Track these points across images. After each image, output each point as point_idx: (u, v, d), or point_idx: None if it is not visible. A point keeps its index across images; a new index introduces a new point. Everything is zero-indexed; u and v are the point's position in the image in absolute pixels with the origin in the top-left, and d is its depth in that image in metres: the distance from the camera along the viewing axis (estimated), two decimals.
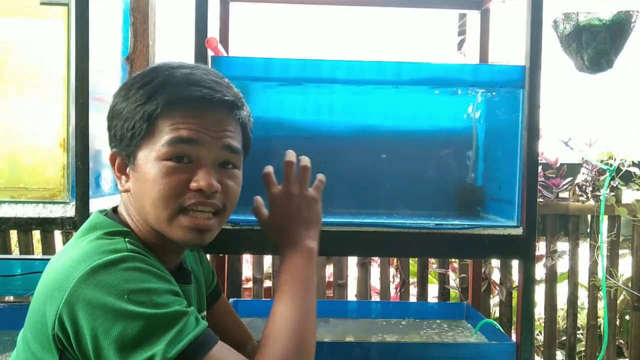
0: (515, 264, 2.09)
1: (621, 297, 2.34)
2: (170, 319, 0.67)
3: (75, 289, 0.67)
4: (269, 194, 0.90)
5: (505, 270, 2.12)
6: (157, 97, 0.76)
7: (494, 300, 2.19)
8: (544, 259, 2.09)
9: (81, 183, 1.24)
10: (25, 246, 2.14)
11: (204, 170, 0.77)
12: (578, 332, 2.26)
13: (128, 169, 0.80)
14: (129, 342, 0.65)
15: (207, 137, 0.78)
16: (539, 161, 1.30)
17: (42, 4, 1.31)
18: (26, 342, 0.74)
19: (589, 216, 2.13)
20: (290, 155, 0.92)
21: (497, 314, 2.17)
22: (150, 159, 0.77)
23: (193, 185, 0.76)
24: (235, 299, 1.60)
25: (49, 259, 1.65)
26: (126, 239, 0.76)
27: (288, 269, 0.84)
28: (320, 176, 0.94)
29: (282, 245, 0.87)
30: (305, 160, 0.92)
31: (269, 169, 0.92)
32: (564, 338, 2.28)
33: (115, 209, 0.86)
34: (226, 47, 1.51)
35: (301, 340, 0.76)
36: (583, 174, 2.14)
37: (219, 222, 0.81)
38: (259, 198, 0.95)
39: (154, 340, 0.65)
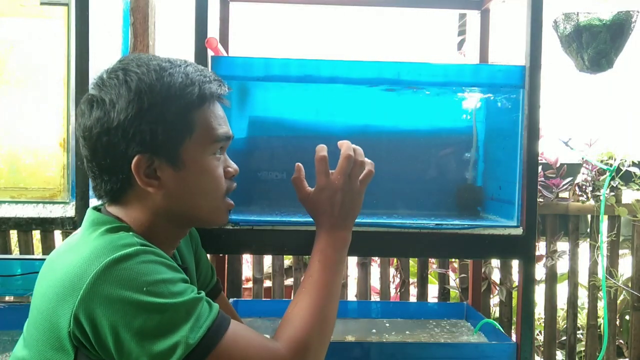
0: (515, 264, 2.09)
1: (621, 297, 2.34)
2: (188, 306, 0.70)
3: (91, 286, 0.67)
4: (323, 179, 0.93)
5: (505, 270, 2.12)
6: (188, 94, 0.79)
7: (494, 300, 2.19)
8: (544, 259, 2.09)
9: (81, 183, 1.24)
10: (25, 246, 2.14)
11: (228, 159, 0.89)
12: (578, 332, 2.26)
13: (159, 171, 0.79)
14: (151, 333, 0.67)
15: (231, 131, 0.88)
16: (539, 161, 1.30)
17: (42, 4, 1.31)
18: (33, 343, 0.73)
19: (589, 216, 2.13)
20: (347, 147, 0.95)
21: (497, 314, 2.17)
22: (199, 155, 0.81)
23: (231, 172, 0.88)
24: (235, 299, 1.60)
25: None
26: (130, 233, 0.77)
27: (319, 254, 0.90)
28: (368, 166, 0.97)
29: (320, 228, 0.93)
30: (360, 154, 0.96)
31: (324, 152, 0.95)
32: (564, 338, 2.28)
33: (104, 208, 0.86)
34: (226, 47, 1.51)
35: (322, 320, 0.82)
36: (583, 174, 2.14)
37: None
38: (301, 167, 0.98)
39: (175, 329, 0.68)
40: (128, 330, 0.66)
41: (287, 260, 2.44)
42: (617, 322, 2.28)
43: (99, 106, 0.77)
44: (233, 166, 0.89)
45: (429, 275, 2.17)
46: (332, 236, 0.92)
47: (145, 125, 0.76)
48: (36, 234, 2.32)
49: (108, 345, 0.67)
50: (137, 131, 0.76)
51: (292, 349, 0.77)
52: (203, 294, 0.75)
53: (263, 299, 2.10)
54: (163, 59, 0.83)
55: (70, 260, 0.72)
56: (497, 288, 2.12)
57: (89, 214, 0.82)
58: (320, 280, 0.87)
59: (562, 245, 2.15)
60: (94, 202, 1.27)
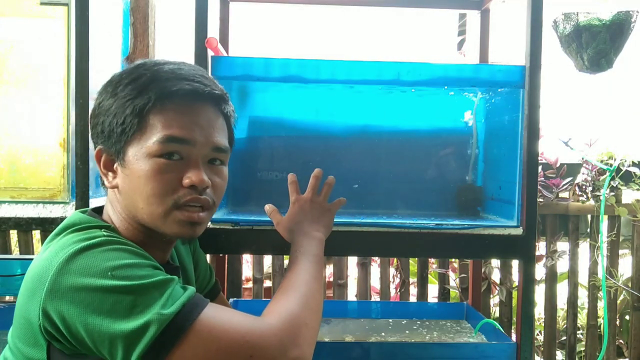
0: (515, 264, 2.09)
1: (621, 297, 2.34)
2: (158, 286, 0.68)
3: (55, 277, 0.67)
4: (295, 198, 1.02)
5: (505, 270, 2.12)
6: (148, 92, 0.77)
7: (494, 300, 2.19)
8: (544, 259, 2.09)
9: (81, 183, 1.24)
10: (25, 246, 2.14)
11: (195, 168, 0.79)
12: (578, 332, 2.26)
13: (115, 165, 0.80)
14: (122, 313, 0.65)
15: (199, 136, 0.79)
16: (539, 161, 1.30)
17: (42, 4, 1.31)
18: (13, 342, 0.74)
19: (589, 216, 2.13)
20: (318, 171, 1.05)
21: (497, 314, 2.17)
22: (141, 156, 0.77)
23: (186, 181, 0.78)
24: (235, 299, 1.60)
25: None
26: (102, 230, 0.76)
27: (298, 248, 0.93)
28: (340, 198, 1.08)
29: (295, 237, 0.97)
30: (331, 179, 1.06)
31: (294, 177, 1.04)
32: (564, 338, 2.28)
33: (99, 209, 0.87)
34: (226, 47, 1.51)
35: (310, 297, 0.82)
36: (583, 174, 2.14)
37: (208, 216, 0.84)
38: (269, 206, 1.05)
39: (147, 308, 0.66)
40: (97, 314, 0.65)
41: (287, 260, 2.43)
42: (617, 322, 2.28)
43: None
44: (193, 177, 0.78)
45: (429, 275, 2.17)
46: (309, 235, 0.96)
47: (101, 118, 0.79)
48: (36, 234, 2.32)
49: (80, 336, 0.66)
50: (98, 123, 0.80)
51: (282, 320, 0.74)
52: (176, 279, 0.72)
53: (263, 299, 2.10)
54: (161, 60, 0.82)
55: (40, 258, 0.73)
56: (497, 288, 2.12)
57: (70, 216, 0.82)
58: (302, 269, 0.88)
59: (562, 245, 2.15)
60: (94, 202, 1.27)
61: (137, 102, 0.77)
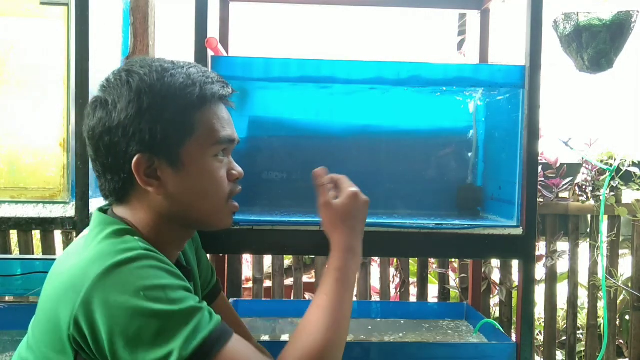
0: (515, 264, 2.09)
1: (621, 297, 2.34)
2: (186, 315, 0.68)
3: (91, 289, 0.67)
4: (345, 191, 0.92)
5: (505, 270, 2.12)
6: (189, 95, 0.79)
7: (494, 300, 2.19)
8: (544, 259, 2.09)
9: (81, 183, 1.24)
10: (25, 246, 2.14)
11: (233, 162, 0.88)
12: (578, 332, 2.26)
13: (158, 171, 0.79)
14: (146, 341, 0.65)
15: (236, 135, 0.88)
16: (539, 161, 1.30)
17: (42, 4, 1.31)
18: (37, 346, 0.73)
19: (589, 216, 2.13)
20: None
21: (497, 314, 2.17)
22: (199, 157, 0.81)
23: (235, 174, 0.87)
24: (235, 299, 1.60)
25: (49, 259, 1.66)
26: (135, 237, 0.76)
27: (336, 271, 0.86)
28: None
29: (336, 243, 0.89)
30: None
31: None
32: (564, 338, 2.28)
33: (111, 210, 0.86)
34: (226, 47, 1.51)
35: (334, 342, 0.78)
36: (583, 174, 2.14)
37: None
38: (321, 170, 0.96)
39: (170, 338, 0.66)
40: (123, 337, 0.65)
41: (287, 260, 2.44)
42: (617, 322, 2.28)
43: (102, 106, 0.79)
44: (237, 169, 0.88)
45: (429, 275, 2.17)
46: (355, 244, 0.89)
47: (145, 124, 0.77)
48: (36, 234, 2.32)
49: (104, 349, 0.67)
50: (137, 130, 0.77)
51: None
52: (204, 304, 0.73)
53: (263, 299, 2.10)
54: (167, 60, 0.83)
55: (74, 262, 0.72)
56: (497, 288, 2.12)
57: (95, 216, 0.82)
58: (334, 299, 0.82)
59: (562, 245, 2.15)
60: (94, 202, 1.27)
61: (184, 104, 0.79)
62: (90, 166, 1.23)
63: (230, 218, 0.88)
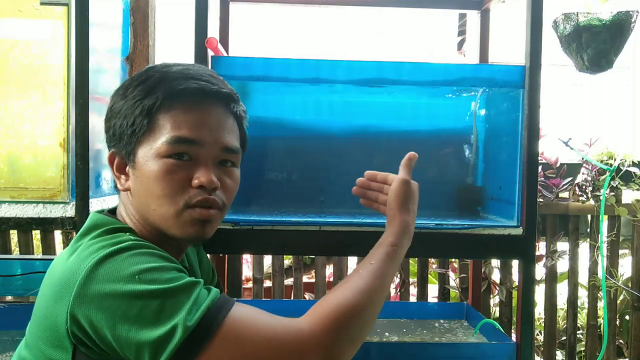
0: (515, 264, 2.09)
1: (621, 297, 2.34)
2: (185, 289, 0.68)
3: (84, 282, 0.67)
4: (404, 178, 0.94)
5: (505, 270, 2.11)
6: (156, 92, 0.78)
7: (494, 300, 2.19)
8: (544, 259, 2.09)
9: (81, 183, 1.24)
10: (25, 246, 2.14)
11: (204, 168, 0.79)
12: (578, 332, 2.25)
13: (127, 167, 0.81)
14: (149, 320, 0.65)
15: (207, 136, 0.79)
16: (539, 161, 1.30)
17: (42, 4, 1.31)
18: (34, 343, 0.73)
19: (589, 216, 2.12)
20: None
21: (497, 314, 2.17)
22: (150, 157, 0.77)
23: (195, 182, 0.78)
24: (235, 299, 1.60)
25: (49, 259, 1.66)
26: (127, 234, 0.76)
27: (388, 246, 0.86)
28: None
29: (399, 222, 0.90)
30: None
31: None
32: (564, 338, 2.28)
33: (112, 210, 0.87)
34: (226, 47, 1.51)
35: (364, 304, 0.77)
36: (583, 174, 2.14)
37: (219, 215, 0.83)
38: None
39: (172, 313, 0.65)
40: (125, 321, 0.65)
41: (287, 260, 2.43)
42: (617, 322, 2.28)
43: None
44: (201, 178, 0.78)
45: (429, 275, 2.17)
46: (407, 234, 0.90)
47: (113, 121, 0.81)
48: (36, 234, 2.32)
49: (108, 340, 0.66)
50: (110, 126, 0.82)
51: (319, 325, 0.69)
52: (201, 281, 0.72)
53: (263, 299, 2.10)
54: (170, 63, 0.83)
55: (67, 261, 0.73)
56: (497, 288, 2.12)
57: (90, 218, 0.82)
58: (379, 269, 0.82)
59: (562, 245, 2.15)
60: (94, 202, 1.27)
61: (146, 102, 0.78)
62: (91, 166, 1.24)
63: (192, 226, 0.79)
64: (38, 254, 2.31)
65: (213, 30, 1.25)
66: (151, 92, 0.78)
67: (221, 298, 0.70)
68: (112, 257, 0.69)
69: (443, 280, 2.15)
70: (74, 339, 0.69)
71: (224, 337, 0.66)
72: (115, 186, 0.84)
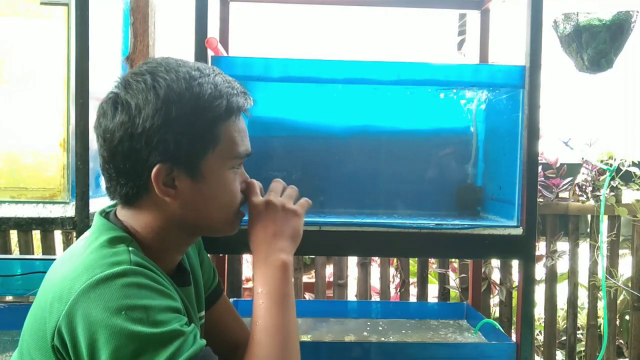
0: (515, 264, 2.09)
1: (621, 297, 2.34)
2: (166, 338, 0.67)
3: (75, 302, 0.67)
4: (249, 202, 0.88)
5: (505, 270, 2.12)
6: (219, 107, 0.78)
7: (494, 300, 2.19)
8: (544, 259, 2.09)
9: (81, 183, 1.24)
10: (25, 246, 2.14)
11: (244, 172, 0.88)
12: (578, 332, 2.26)
13: (178, 180, 0.78)
14: None
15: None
16: (539, 161, 1.30)
17: (42, 4, 1.31)
18: (27, 347, 0.73)
19: (589, 216, 2.13)
20: (278, 179, 0.94)
21: (497, 314, 2.17)
22: (218, 169, 0.80)
23: (242, 186, 0.87)
24: (235, 299, 1.60)
25: (48, 259, 1.65)
26: (130, 248, 0.75)
27: (262, 284, 0.82)
28: (305, 198, 0.93)
29: (255, 257, 0.85)
30: (293, 187, 0.94)
31: (254, 181, 0.91)
32: (564, 338, 2.28)
33: (113, 213, 0.86)
34: (226, 47, 1.51)
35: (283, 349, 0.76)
36: (583, 174, 2.14)
37: None
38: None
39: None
40: (102, 352, 0.65)
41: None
42: (617, 322, 2.28)
43: (124, 110, 0.75)
44: (249, 181, 0.88)
45: (429, 275, 2.17)
46: (270, 259, 0.83)
47: (170, 135, 0.75)
48: (36, 234, 2.32)
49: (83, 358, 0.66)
50: (162, 140, 0.74)
51: None
52: (192, 327, 0.72)
53: None
54: (191, 65, 0.80)
55: (65, 270, 0.72)
56: (497, 288, 2.12)
57: (95, 220, 0.81)
58: (272, 315, 0.79)
59: (562, 245, 2.15)
60: (94, 202, 1.27)
61: (212, 116, 0.78)
62: (91, 166, 1.24)
63: (238, 226, 0.88)
64: (38, 254, 2.31)
65: (213, 30, 1.25)
66: (211, 106, 0.77)
67: (202, 354, 0.70)
68: (106, 282, 0.68)
69: (443, 280, 2.15)
70: (57, 354, 0.68)
71: None
72: (126, 195, 0.80)
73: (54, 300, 0.69)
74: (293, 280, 0.89)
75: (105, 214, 0.84)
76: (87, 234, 0.80)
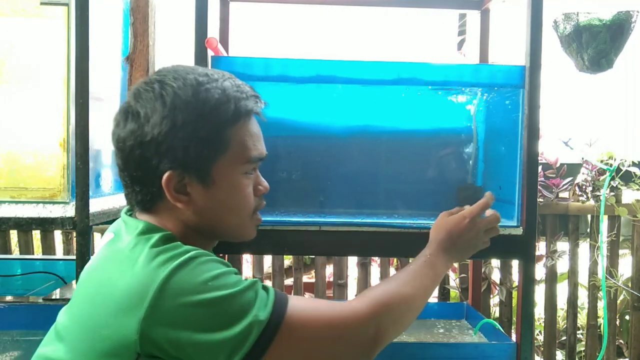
0: (515, 264, 2.09)
1: (621, 297, 2.34)
2: (250, 289, 0.72)
3: (157, 300, 0.67)
4: (469, 213, 0.98)
5: (505, 270, 2.12)
6: (228, 111, 0.78)
7: (494, 300, 2.19)
8: (544, 259, 2.09)
9: (81, 183, 1.24)
10: (25, 246, 2.14)
11: (260, 176, 0.89)
12: (578, 332, 2.26)
13: (189, 187, 0.78)
14: (225, 323, 0.68)
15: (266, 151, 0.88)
16: (539, 161, 1.30)
17: (42, 4, 1.31)
18: (80, 350, 0.71)
19: (589, 216, 2.13)
20: (490, 195, 1.03)
21: (497, 314, 2.17)
22: (230, 173, 0.81)
23: (261, 189, 0.88)
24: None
25: (49, 259, 1.65)
26: (178, 242, 0.76)
27: (426, 258, 0.93)
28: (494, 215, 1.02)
29: (433, 248, 0.96)
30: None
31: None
32: (564, 338, 2.28)
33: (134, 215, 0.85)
34: (226, 47, 1.51)
35: (408, 297, 0.85)
36: (583, 174, 2.14)
37: None
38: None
39: (246, 312, 0.70)
40: (203, 331, 0.67)
41: (287, 260, 2.44)
42: (617, 322, 2.28)
43: (134, 118, 0.77)
44: (264, 184, 0.88)
45: None
46: (449, 255, 0.96)
47: (178, 141, 0.76)
48: (36, 234, 2.32)
49: (185, 353, 0.67)
50: (170, 147, 0.76)
51: (370, 306, 0.78)
52: (259, 280, 0.77)
53: None
54: (201, 72, 0.80)
55: (128, 271, 0.71)
56: (497, 288, 2.12)
57: (131, 222, 0.80)
58: (413, 270, 0.90)
59: (562, 245, 2.15)
60: (94, 202, 1.27)
61: (219, 121, 0.78)
62: (91, 166, 1.24)
63: (254, 230, 0.89)
64: (38, 254, 2.31)
65: (213, 30, 1.25)
66: (218, 111, 0.78)
67: (277, 292, 0.75)
68: (182, 268, 0.70)
69: (443, 280, 2.15)
70: (143, 355, 0.68)
71: (292, 325, 0.72)
72: (142, 201, 0.81)
73: (129, 299, 0.68)
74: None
75: (130, 213, 0.84)
76: (127, 235, 0.78)
